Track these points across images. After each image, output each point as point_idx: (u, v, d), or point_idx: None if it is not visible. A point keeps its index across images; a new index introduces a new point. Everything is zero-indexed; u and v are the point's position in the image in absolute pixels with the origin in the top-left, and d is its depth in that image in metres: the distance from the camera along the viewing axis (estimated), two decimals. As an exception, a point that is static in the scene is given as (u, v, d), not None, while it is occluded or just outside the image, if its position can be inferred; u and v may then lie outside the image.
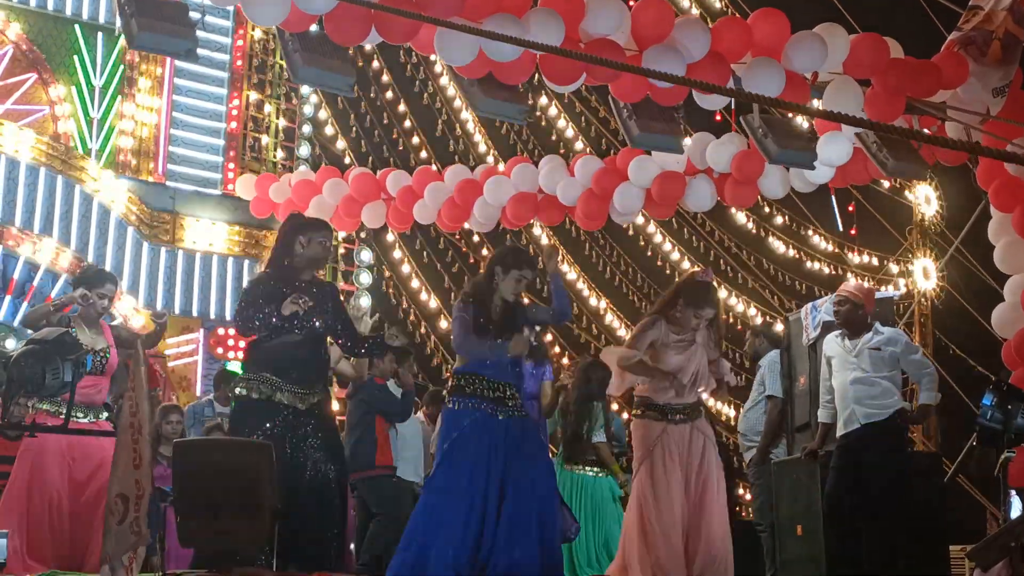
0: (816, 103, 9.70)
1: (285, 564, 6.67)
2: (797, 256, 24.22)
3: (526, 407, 7.78)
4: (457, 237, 21.56)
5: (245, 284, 7.79)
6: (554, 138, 23.10)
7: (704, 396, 8.72)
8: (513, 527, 7.17)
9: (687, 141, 11.01)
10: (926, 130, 9.92)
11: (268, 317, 7.32)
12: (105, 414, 8.49)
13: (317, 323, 7.52)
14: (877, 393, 9.16)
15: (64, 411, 7.73)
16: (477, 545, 7.12)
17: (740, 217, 23.61)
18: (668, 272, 23.51)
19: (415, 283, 22.27)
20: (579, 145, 22.90)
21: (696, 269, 9.43)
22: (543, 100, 22.92)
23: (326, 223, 8.26)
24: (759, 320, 22.51)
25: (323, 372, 7.76)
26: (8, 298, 17.37)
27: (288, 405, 7.25)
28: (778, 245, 24.11)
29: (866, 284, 10.04)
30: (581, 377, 10.49)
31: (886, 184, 21.93)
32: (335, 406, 13.01)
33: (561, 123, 23.29)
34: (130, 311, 17.99)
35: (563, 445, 10.66)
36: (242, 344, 18.25)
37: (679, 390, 8.39)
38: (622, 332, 23.52)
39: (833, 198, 13.21)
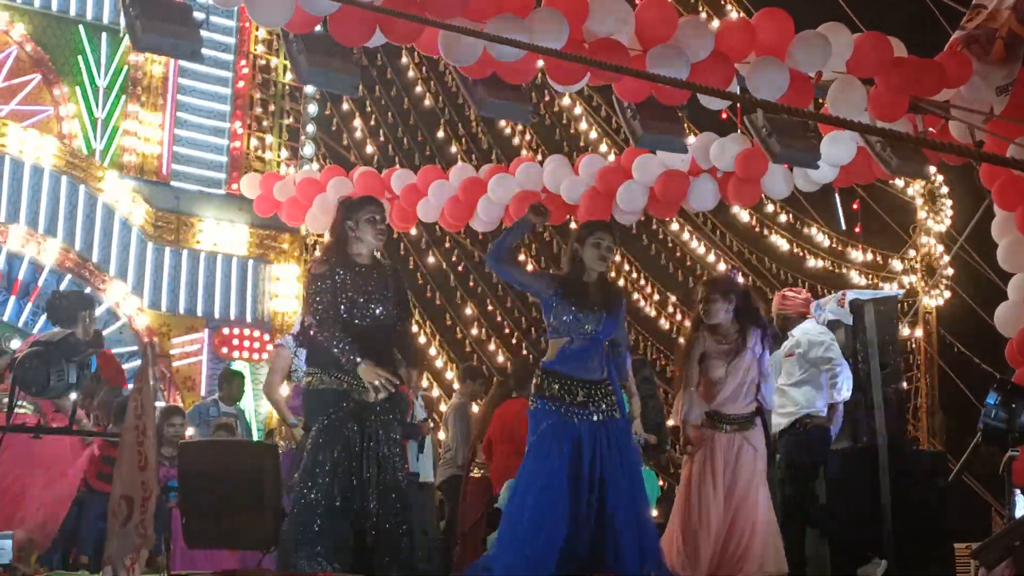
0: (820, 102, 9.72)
1: (361, 567, 6.58)
2: (801, 254, 24.21)
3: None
4: (463, 236, 21.55)
5: (307, 282, 7.20)
6: (558, 137, 23.09)
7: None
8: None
9: (691, 140, 11.03)
10: (931, 129, 9.94)
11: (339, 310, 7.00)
12: None
13: (378, 311, 7.15)
14: (785, 402, 9.24)
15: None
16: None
17: (743, 215, 23.60)
18: (671, 271, 23.52)
19: (420, 281, 22.26)
20: (593, 136, 22.88)
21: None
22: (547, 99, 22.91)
23: (373, 198, 7.70)
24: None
25: (392, 364, 7.20)
26: (13, 299, 17.37)
27: (357, 400, 6.95)
28: (781, 243, 24.09)
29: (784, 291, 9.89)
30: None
31: (891, 182, 21.94)
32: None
33: (566, 123, 23.28)
34: (135, 311, 18.01)
35: None
36: (247, 344, 18.44)
37: (723, 401, 8.33)
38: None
39: (837, 197, 13.22)
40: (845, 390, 9.31)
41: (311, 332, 7.06)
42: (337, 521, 6.64)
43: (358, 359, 6.79)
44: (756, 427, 8.31)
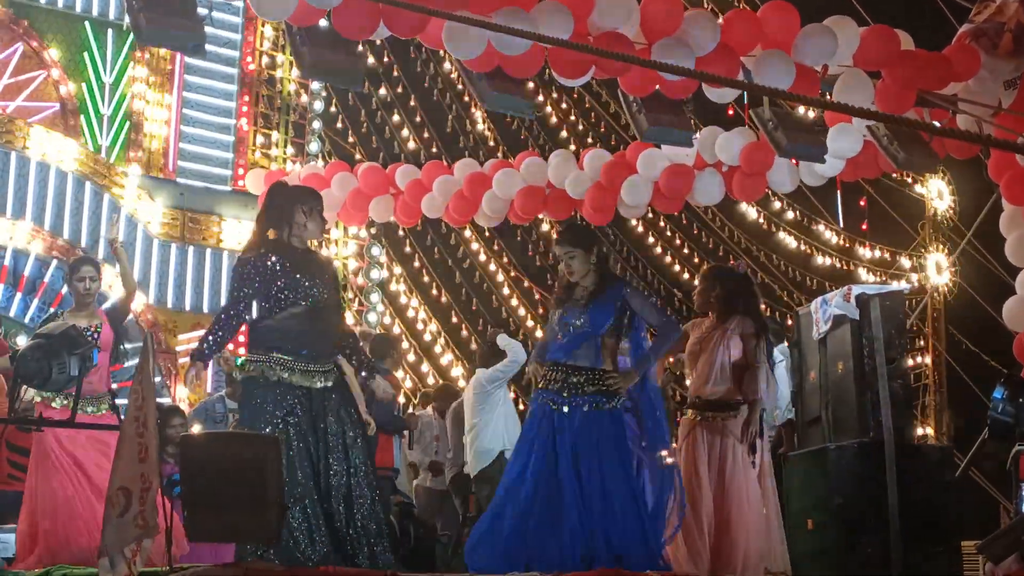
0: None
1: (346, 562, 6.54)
2: (808, 251, 24.14)
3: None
4: (469, 235, 21.55)
5: (236, 265, 7.07)
6: (564, 133, 23.05)
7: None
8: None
9: (696, 134, 11.00)
10: (936, 123, 9.90)
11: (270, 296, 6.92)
12: (107, 405, 8.49)
13: (318, 292, 7.02)
14: None
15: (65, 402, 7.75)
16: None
17: (751, 212, 23.53)
18: (677, 268, 23.47)
19: (426, 278, 22.24)
20: (588, 140, 22.84)
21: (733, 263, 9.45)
22: (553, 95, 22.88)
23: (318, 192, 7.78)
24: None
25: (334, 346, 7.18)
26: (19, 295, 17.38)
27: (303, 386, 6.85)
28: (788, 240, 24.02)
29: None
30: None
31: (897, 178, 21.87)
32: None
33: (571, 118, 23.25)
34: (139, 306, 17.99)
35: None
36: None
37: (695, 383, 8.37)
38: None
39: (839, 192, 13.17)
40: None
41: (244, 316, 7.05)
42: (305, 509, 6.61)
43: (203, 349, 6.93)
44: (737, 416, 8.29)
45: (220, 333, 6.93)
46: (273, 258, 6.99)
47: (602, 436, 7.38)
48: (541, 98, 21.98)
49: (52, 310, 8.87)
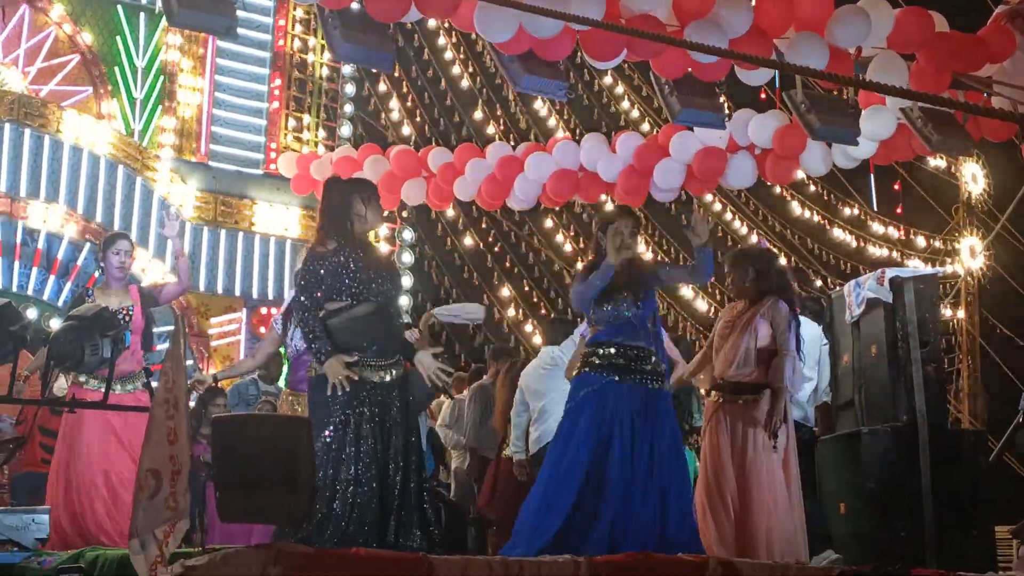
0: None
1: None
2: (850, 239, 24.04)
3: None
4: (498, 215, 21.54)
5: (301, 264, 7.01)
6: (596, 116, 23.02)
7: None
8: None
9: (729, 117, 10.95)
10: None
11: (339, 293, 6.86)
12: (140, 383, 8.51)
13: (387, 288, 6.99)
14: None
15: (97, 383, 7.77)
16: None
17: (795, 206, 23.47)
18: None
19: (458, 262, 22.26)
20: (621, 123, 22.79)
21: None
22: (586, 77, 22.84)
23: (372, 181, 7.84)
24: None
25: (401, 340, 7.18)
26: (52, 278, 17.47)
27: (372, 381, 6.81)
28: (822, 223, 23.95)
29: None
30: None
31: (932, 162, 21.78)
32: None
33: (604, 101, 23.21)
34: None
35: None
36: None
37: (721, 365, 8.33)
38: (663, 310, 23.45)
39: (872, 176, 13.09)
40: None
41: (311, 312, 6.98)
42: (363, 498, 6.62)
43: (325, 352, 6.73)
44: (760, 400, 8.22)
45: (315, 328, 6.88)
46: (343, 254, 6.94)
47: (659, 418, 7.47)
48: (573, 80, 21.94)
49: (85, 289, 8.77)
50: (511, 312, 22.78)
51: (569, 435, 7.44)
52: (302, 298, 6.90)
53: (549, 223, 22.21)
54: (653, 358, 7.55)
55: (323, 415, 6.74)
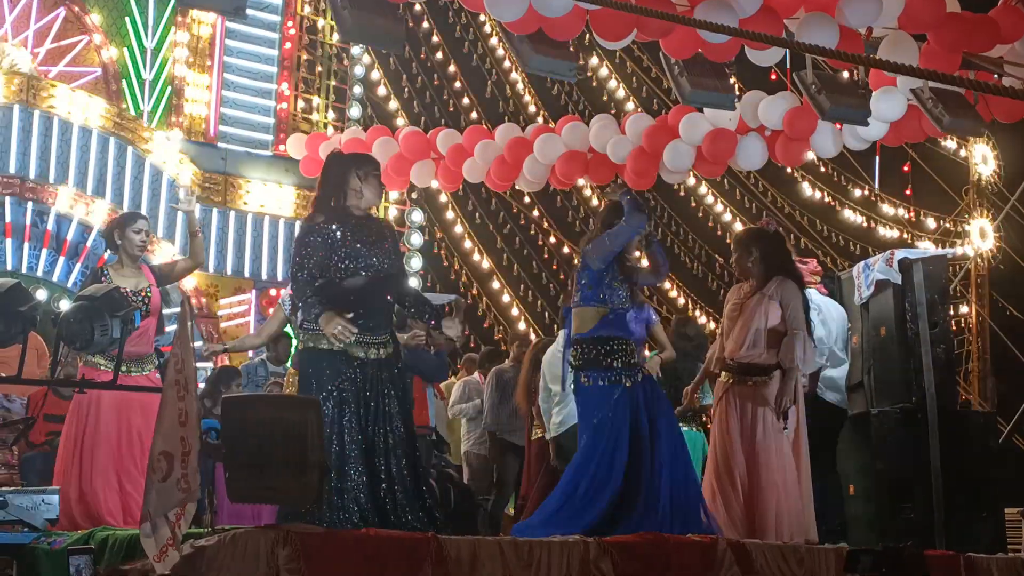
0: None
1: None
2: (861, 221, 23.96)
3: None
4: (507, 196, 21.50)
5: (299, 234, 7.01)
6: (605, 98, 22.96)
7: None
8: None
9: (739, 99, 10.92)
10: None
11: (329, 269, 6.86)
12: (152, 366, 8.50)
13: (377, 261, 6.99)
14: None
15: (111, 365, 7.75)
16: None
17: (804, 186, 23.39)
18: (719, 233, 23.36)
19: (467, 244, 22.24)
20: (630, 105, 22.72)
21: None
22: (594, 60, 22.77)
23: (375, 157, 7.78)
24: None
25: (391, 318, 7.21)
26: (62, 259, 17.49)
27: (361, 357, 6.83)
28: (831, 204, 23.87)
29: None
30: (677, 334, 10.37)
31: (942, 143, 21.70)
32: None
33: (612, 83, 23.14)
34: (184, 273, 18.07)
35: None
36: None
37: (731, 346, 8.31)
38: (672, 292, 23.45)
39: (877, 157, 13.06)
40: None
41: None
42: (351, 476, 6.62)
43: (317, 310, 6.74)
44: (770, 381, 8.19)
45: (306, 292, 6.89)
46: (334, 226, 6.94)
47: (664, 406, 7.57)
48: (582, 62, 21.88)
49: (99, 268, 8.71)
50: (520, 293, 22.77)
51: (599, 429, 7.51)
52: (294, 269, 6.94)
53: (558, 204, 22.15)
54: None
55: (307, 390, 6.77)
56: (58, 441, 8.70)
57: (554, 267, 23.02)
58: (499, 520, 11.45)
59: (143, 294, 8.50)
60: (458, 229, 22.29)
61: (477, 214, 22.19)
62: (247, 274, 19.05)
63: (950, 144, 22.52)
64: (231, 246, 19.00)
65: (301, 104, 20.49)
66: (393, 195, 20.34)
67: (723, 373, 8.39)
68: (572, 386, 7.90)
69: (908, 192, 23.69)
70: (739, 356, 8.25)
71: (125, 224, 8.79)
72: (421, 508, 6.80)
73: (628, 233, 7.72)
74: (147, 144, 18.20)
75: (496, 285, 22.44)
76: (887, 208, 23.94)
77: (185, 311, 6.04)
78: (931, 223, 24.06)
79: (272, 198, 19.47)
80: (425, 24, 22.33)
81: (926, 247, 21.91)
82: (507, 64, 22.33)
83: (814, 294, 9.44)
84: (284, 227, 19.44)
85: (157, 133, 18.55)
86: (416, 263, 20.92)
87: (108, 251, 9.20)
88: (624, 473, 7.37)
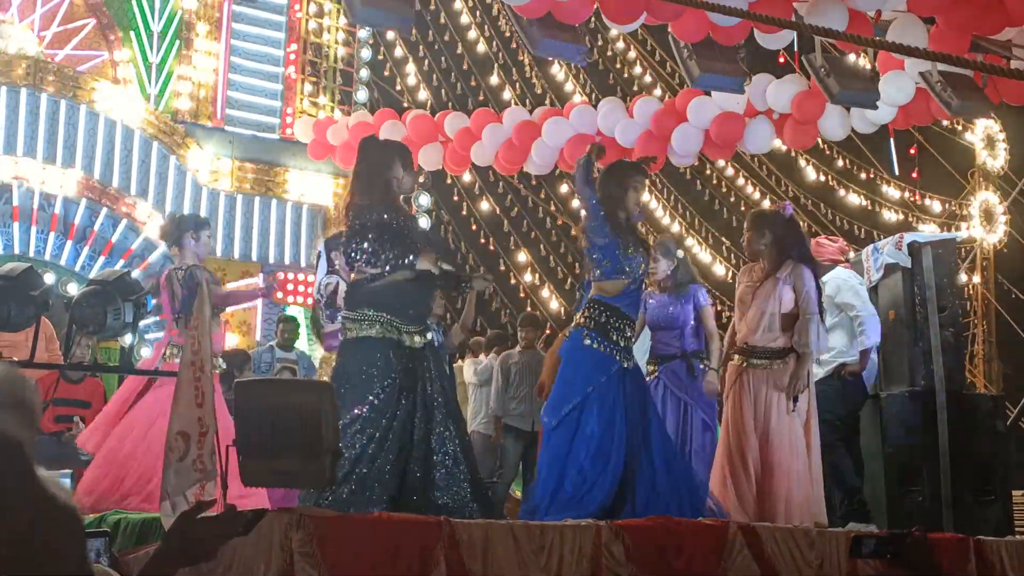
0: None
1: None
2: (870, 207, 23.95)
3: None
4: (515, 180, 21.50)
5: (351, 221, 6.87)
6: (612, 81, 22.96)
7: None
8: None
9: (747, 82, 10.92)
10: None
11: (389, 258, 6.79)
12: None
13: (414, 256, 6.92)
14: None
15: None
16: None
17: (809, 170, 23.37)
18: (725, 216, 23.37)
19: (474, 227, 22.25)
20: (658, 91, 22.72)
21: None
22: (601, 43, 22.75)
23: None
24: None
25: (431, 310, 7.35)
26: (69, 243, 17.48)
27: (406, 346, 6.81)
28: (839, 190, 23.87)
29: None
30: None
31: (948, 125, 21.69)
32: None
33: (620, 65, 23.13)
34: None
35: None
36: (302, 289, 18.43)
37: (744, 331, 8.31)
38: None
39: (892, 141, 13.05)
40: (873, 335, 9.20)
41: (347, 272, 6.99)
42: (386, 463, 6.64)
43: (411, 258, 6.82)
44: (784, 364, 8.19)
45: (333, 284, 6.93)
46: (386, 216, 6.87)
47: (650, 396, 7.64)
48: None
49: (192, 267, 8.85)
50: (528, 277, 22.79)
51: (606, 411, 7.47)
52: (352, 253, 6.86)
53: (566, 188, 22.16)
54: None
55: (358, 379, 6.75)
56: (71, 426, 8.74)
57: (561, 250, 23.04)
58: (503, 501, 11.49)
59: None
60: (464, 212, 22.30)
61: (484, 197, 22.20)
62: (255, 258, 19.03)
63: (956, 127, 22.52)
64: (238, 229, 18.99)
65: (308, 87, 20.46)
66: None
67: (736, 356, 8.38)
68: (568, 343, 7.77)
69: (915, 175, 23.69)
70: (753, 340, 8.25)
71: (197, 227, 8.91)
72: (473, 489, 6.84)
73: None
74: (151, 127, 18.19)
75: (502, 268, 22.47)
76: (892, 191, 23.95)
77: (203, 295, 6.06)
78: (936, 206, 24.07)
79: (279, 181, 19.43)
80: (432, 6, 22.31)
81: (931, 230, 21.93)
82: (514, 46, 22.30)
83: (842, 271, 9.46)
84: (292, 211, 19.43)
85: (165, 116, 18.54)
86: (423, 246, 20.87)
87: (170, 249, 9.19)
88: (625, 450, 7.35)
